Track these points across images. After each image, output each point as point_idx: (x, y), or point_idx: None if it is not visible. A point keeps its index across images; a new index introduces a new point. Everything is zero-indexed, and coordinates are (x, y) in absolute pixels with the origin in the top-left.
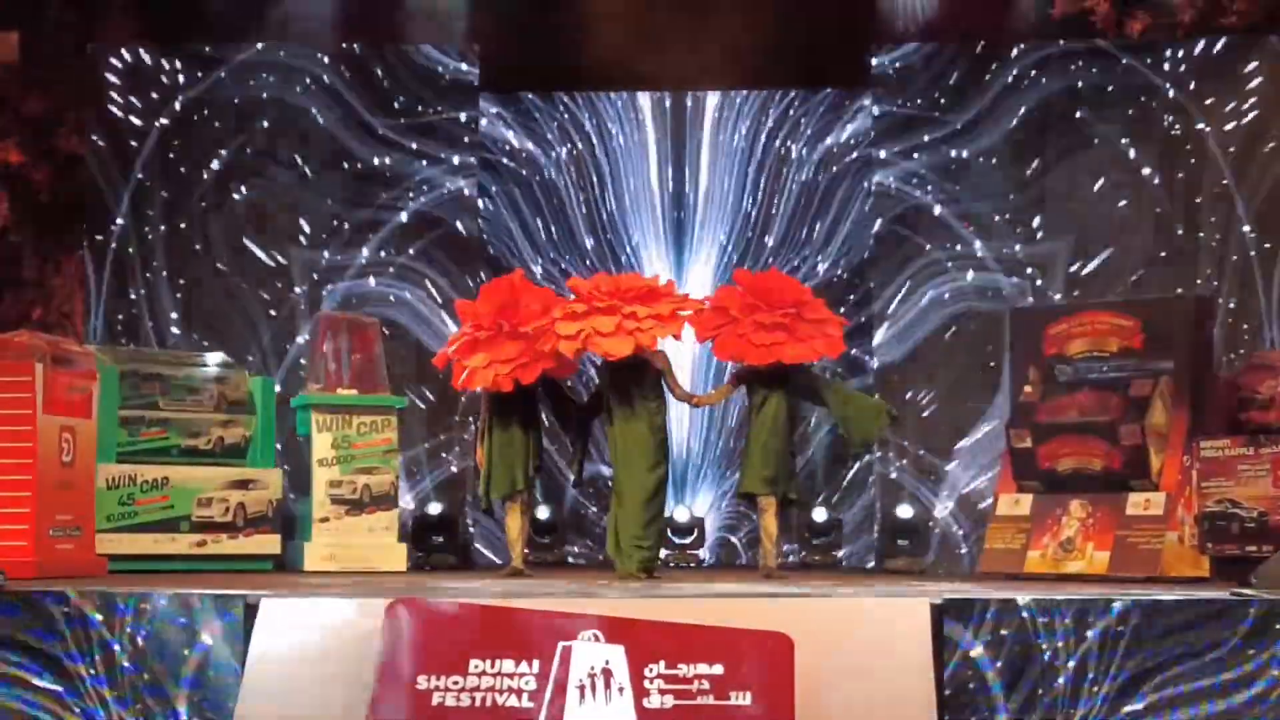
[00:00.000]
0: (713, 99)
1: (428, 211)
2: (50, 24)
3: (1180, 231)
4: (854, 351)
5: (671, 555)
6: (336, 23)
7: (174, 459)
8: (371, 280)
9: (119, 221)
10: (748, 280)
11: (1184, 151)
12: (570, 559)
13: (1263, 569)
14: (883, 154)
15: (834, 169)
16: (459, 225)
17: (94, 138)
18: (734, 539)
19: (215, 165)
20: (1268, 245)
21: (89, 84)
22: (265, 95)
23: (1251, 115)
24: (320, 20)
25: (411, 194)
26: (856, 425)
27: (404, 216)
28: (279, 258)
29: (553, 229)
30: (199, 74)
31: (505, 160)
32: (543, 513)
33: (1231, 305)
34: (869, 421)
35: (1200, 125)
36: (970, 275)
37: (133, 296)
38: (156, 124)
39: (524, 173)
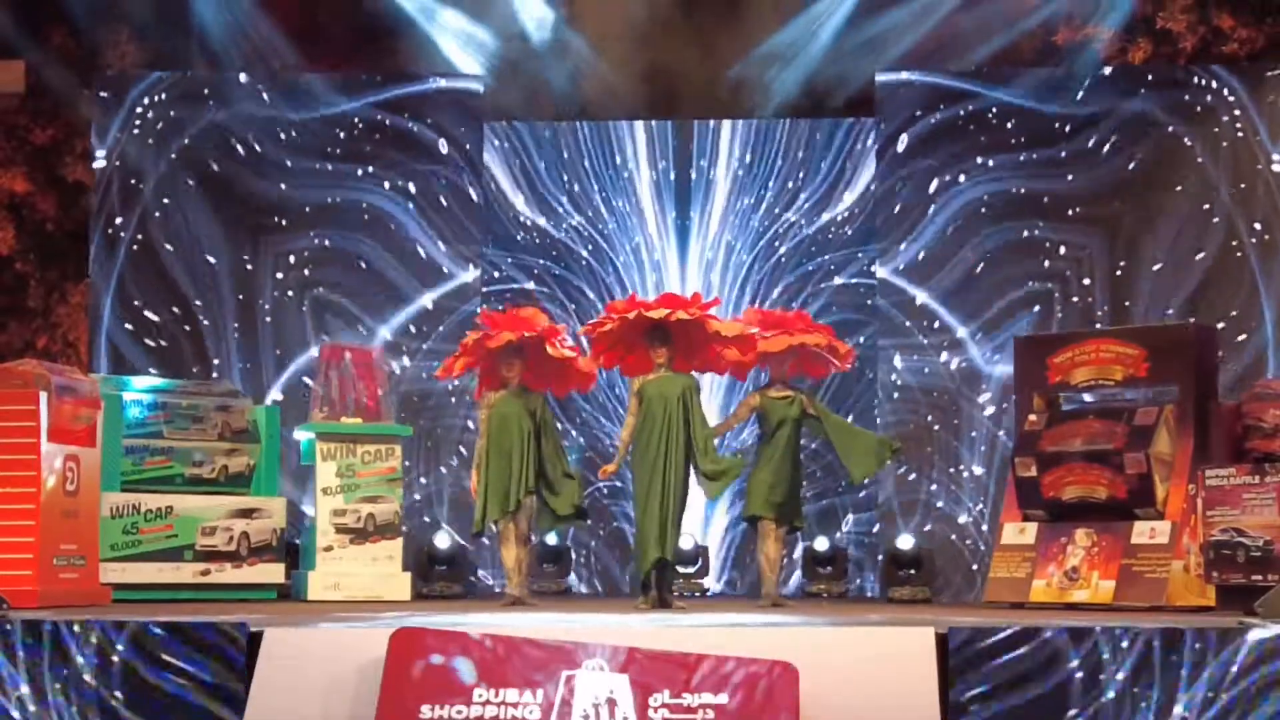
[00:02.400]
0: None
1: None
2: (56, 54)
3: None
4: None
5: (676, 584)
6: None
7: (178, 487)
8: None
9: (122, 252)
10: (759, 311)
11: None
12: (574, 587)
13: (1268, 598)
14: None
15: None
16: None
17: (98, 168)
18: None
19: (217, 194)
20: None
21: (94, 114)
22: (265, 132)
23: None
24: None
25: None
26: (857, 459)
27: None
28: (286, 291)
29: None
30: (202, 104)
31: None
32: (550, 539)
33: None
34: (869, 456)
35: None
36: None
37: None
38: (160, 153)
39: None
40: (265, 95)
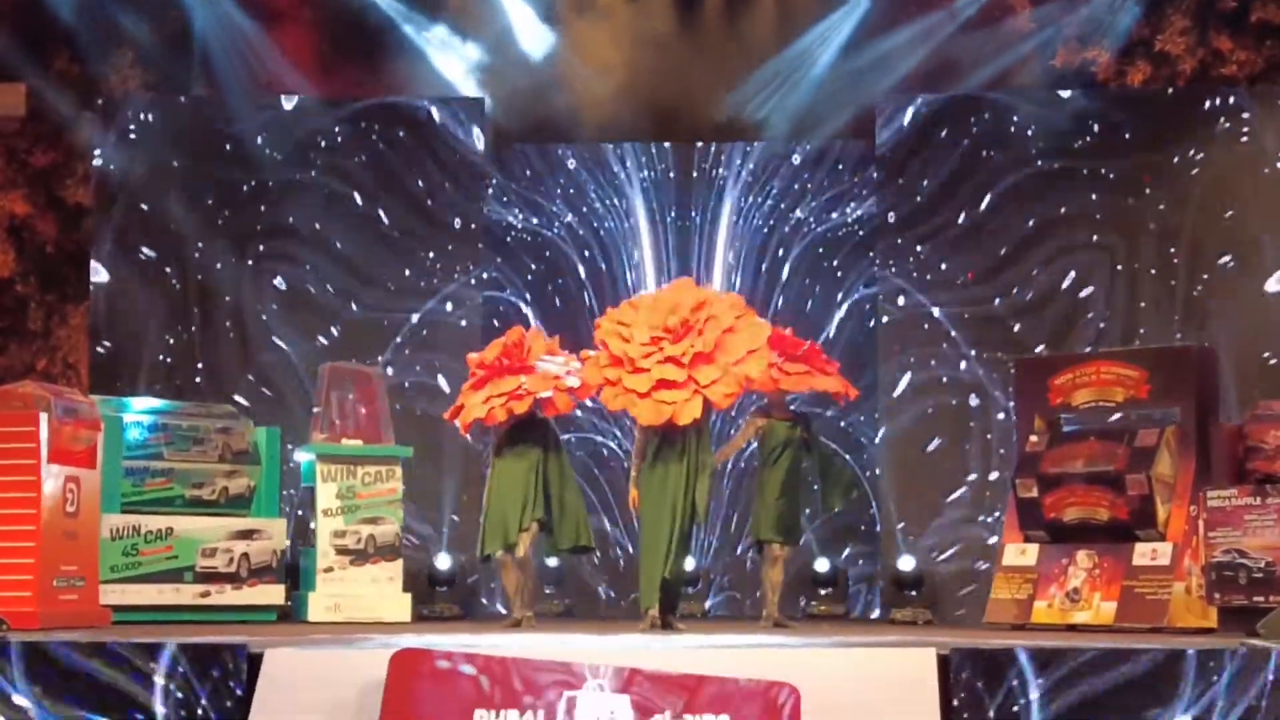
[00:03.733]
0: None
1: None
2: (57, 77)
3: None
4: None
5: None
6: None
7: (178, 509)
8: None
9: (120, 274)
10: (775, 334)
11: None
12: (575, 610)
13: (1270, 619)
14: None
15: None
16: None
17: (99, 190)
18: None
19: (222, 220)
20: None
21: (96, 137)
22: (272, 153)
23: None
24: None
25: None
26: (827, 492)
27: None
28: (287, 314)
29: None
30: (204, 127)
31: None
32: (551, 562)
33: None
34: (838, 491)
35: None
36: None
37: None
38: (160, 174)
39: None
40: (264, 117)
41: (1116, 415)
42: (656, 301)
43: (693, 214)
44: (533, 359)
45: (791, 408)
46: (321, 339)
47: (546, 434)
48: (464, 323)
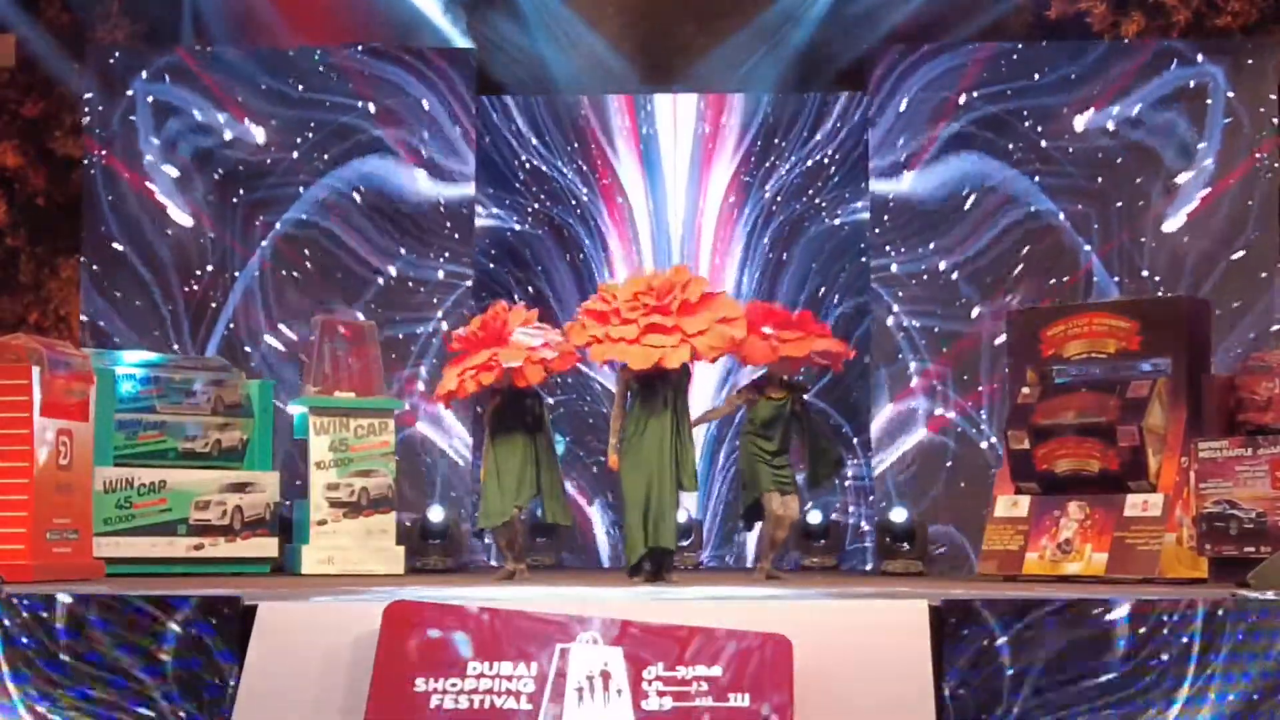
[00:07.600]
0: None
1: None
2: (47, 27)
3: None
4: None
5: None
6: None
7: (171, 462)
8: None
9: (114, 228)
10: (761, 306)
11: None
12: (566, 562)
13: (1260, 569)
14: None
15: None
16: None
17: (90, 142)
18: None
19: (212, 171)
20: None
21: (86, 88)
22: (262, 104)
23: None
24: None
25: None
26: (814, 471)
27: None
28: (278, 264)
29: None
30: (193, 77)
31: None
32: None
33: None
34: (826, 467)
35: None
36: None
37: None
38: (149, 125)
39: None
40: (254, 68)
41: (1108, 367)
42: (637, 277)
43: (681, 165)
44: (508, 331)
45: (785, 383)
46: (313, 291)
47: (538, 410)
48: (450, 273)
